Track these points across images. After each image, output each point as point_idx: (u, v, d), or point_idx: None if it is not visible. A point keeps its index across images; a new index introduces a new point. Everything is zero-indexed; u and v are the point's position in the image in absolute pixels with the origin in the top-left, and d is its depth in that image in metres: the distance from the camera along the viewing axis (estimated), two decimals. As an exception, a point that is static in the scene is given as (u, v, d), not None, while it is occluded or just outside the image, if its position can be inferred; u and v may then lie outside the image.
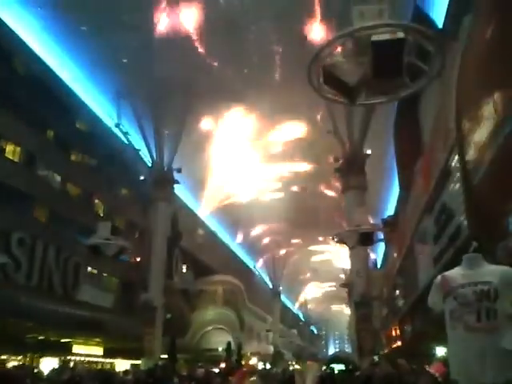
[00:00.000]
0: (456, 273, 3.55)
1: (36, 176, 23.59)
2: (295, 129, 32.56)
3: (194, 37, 24.35)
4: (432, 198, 9.62)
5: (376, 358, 21.91)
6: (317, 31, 22.59)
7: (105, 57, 24.58)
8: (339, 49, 6.59)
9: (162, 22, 23.56)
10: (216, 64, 25.94)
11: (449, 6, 9.42)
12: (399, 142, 17.00)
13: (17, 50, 23.49)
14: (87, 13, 22.76)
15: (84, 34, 24.23)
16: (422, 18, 9.43)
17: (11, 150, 22.86)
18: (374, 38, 6.08)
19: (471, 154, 7.02)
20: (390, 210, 30.30)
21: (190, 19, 23.70)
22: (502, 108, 5.61)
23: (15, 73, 23.18)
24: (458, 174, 7.42)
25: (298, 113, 29.86)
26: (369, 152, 23.74)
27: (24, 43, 23.87)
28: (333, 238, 19.42)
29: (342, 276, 51.49)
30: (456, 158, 7.52)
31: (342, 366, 25.13)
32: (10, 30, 22.93)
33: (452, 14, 9.09)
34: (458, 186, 7.49)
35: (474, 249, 3.53)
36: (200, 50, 25.23)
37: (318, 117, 28.55)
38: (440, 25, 9.63)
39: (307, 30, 23.01)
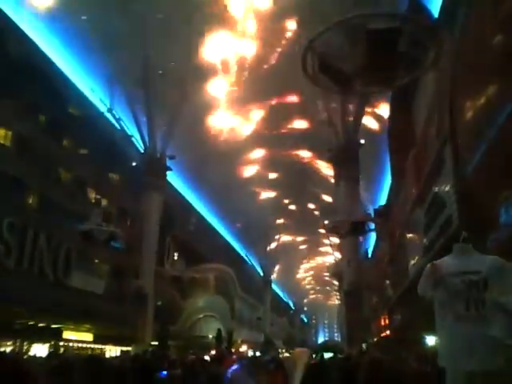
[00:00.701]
0: (446, 261, 3.57)
1: (27, 161, 23.39)
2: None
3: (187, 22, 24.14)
4: (424, 188, 9.67)
5: (364, 346, 22.14)
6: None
7: (97, 41, 24.34)
8: (334, 37, 6.56)
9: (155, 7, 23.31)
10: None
11: (445, -4, 9.41)
12: (392, 132, 17.02)
13: (8, 34, 23.14)
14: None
15: (77, 18, 23.96)
16: (417, 7, 9.41)
17: (2, 135, 22.62)
18: (370, 26, 6.06)
19: (463, 146, 7.05)
20: (382, 200, 30.41)
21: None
22: (495, 100, 5.63)
23: (6, 56, 22.83)
24: (450, 165, 7.45)
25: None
26: (362, 141, 23.77)
27: (16, 26, 23.55)
28: (324, 227, 19.51)
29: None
30: (448, 148, 7.55)
31: (330, 354, 25.36)
32: (2, 13, 22.60)
33: (447, 5, 9.06)
34: (449, 176, 7.52)
35: (464, 238, 3.54)
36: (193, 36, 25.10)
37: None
38: (435, 15, 9.61)
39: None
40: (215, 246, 48.49)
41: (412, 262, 11.91)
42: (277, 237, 57.40)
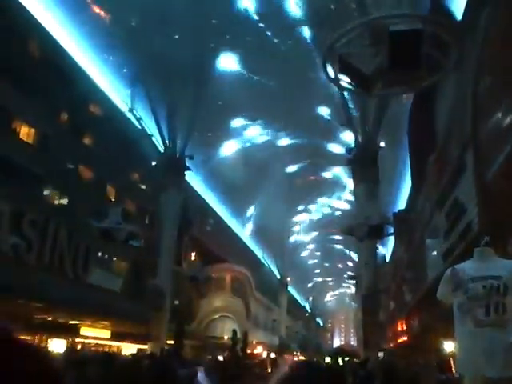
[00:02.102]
0: (466, 266, 3.52)
1: (49, 158, 23.73)
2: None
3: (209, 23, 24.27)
4: (444, 192, 9.55)
5: (381, 354, 21.91)
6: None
7: (120, 41, 24.60)
8: (356, 38, 6.52)
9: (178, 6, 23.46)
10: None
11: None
12: (413, 135, 16.85)
13: (32, 32, 23.53)
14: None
15: (100, 18, 24.26)
16: (440, 8, 9.30)
17: (26, 132, 23.01)
18: (392, 28, 6.00)
19: (485, 150, 6.95)
20: (401, 203, 30.14)
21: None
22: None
23: (30, 55, 23.25)
24: (471, 169, 7.35)
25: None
26: (382, 144, 23.55)
27: (40, 25, 23.93)
28: (341, 230, 19.39)
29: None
30: (470, 152, 7.45)
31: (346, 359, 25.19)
32: (26, 11, 22.97)
33: (471, 6, 8.94)
34: (471, 181, 7.42)
35: (485, 243, 3.49)
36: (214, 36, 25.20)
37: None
38: (459, 16, 9.49)
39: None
40: (232, 246, 48.55)
41: (431, 266, 11.76)
42: (292, 239, 57.27)
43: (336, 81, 7.27)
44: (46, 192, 24.28)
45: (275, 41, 26.01)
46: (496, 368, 3.12)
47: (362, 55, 6.36)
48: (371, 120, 23.16)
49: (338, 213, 47.57)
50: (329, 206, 50.07)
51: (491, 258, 3.45)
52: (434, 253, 11.26)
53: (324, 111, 32.07)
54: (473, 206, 7.16)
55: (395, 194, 33.65)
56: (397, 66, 6.16)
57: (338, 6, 20.06)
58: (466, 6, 8.93)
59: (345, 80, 6.87)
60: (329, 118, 31.59)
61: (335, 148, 34.56)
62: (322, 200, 49.42)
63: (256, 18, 25.22)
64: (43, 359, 0.82)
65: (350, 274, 52.77)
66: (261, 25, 25.29)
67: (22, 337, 20.47)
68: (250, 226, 52.45)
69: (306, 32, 25.09)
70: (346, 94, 21.58)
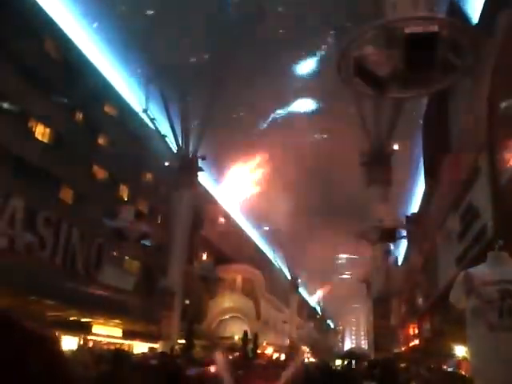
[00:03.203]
0: (480, 270, 3.50)
1: (64, 157, 23.97)
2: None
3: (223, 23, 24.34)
4: (458, 196, 9.48)
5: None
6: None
7: (135, 42, 24.76)
8: (371, 40, 6.50)
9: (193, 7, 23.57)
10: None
11: (485, 0, 9.20)
12: (427, 138, 16.75)
13: (48, 32, 23.79)
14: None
15: (116, 19, 24.44)
16: (456, 12, 9.24)
17: (41, 131, 23.27)
18: (408, 30, 5.98)
19: (500, 154, 6.89)
20: (414, 206, 29.94)
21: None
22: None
23: (46, 54, 23.50)
24: (486, 173, 7.30)
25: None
26: (395, 147, 23.44)
27: (56, 25, 24.17)
28: (354, 233, 19.33)
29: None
30: (485, 156, 7.40)
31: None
32: (43, 11, 23.21)
33: (488, 9, 8.88)
34: (485, 185, 7.37)
35: (499, 247, 3.47)
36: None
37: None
38: (475, 20, 9.42)
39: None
40: (243, 246, 48.58)
41: (444, 270, 11.68)
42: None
43: (350, 83, 7.26)
44: (60, 190, 24.50)
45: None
46: (510, 373, 3.11)
47: (376, 57, 6.34)
48: (385, 122, 23.06)
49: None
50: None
51: (505, 261, 3.42)
52: (448, 256, 11.18)
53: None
54: (487, 209, 7.11)
55: (408, 196, 33.43)
56: (412, 69, 6.14)
57: (354, 8, 20.01)
58: (483, 9, 8.87)
59: (359, 83, 6.86)
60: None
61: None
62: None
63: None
64: (53, 349, 0.79)
65: (362, 276, 52.43)
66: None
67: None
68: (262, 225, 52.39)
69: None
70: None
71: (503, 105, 6.49)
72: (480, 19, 9.36)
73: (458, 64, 6.17)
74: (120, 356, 4.31)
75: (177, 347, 21.15)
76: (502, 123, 6.93)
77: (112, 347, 24.50)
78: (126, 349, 26.41)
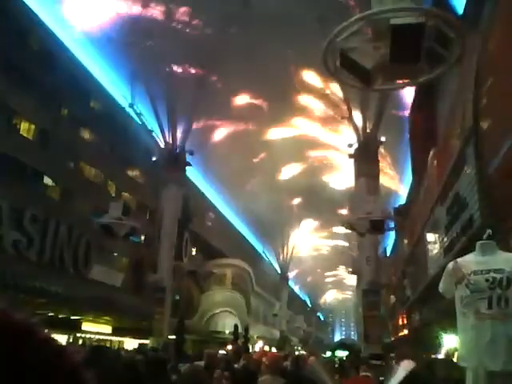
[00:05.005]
0: (469, 260, 3.53)
1: (49, 154, 23.76)
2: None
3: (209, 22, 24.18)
4: (445, 186, 9.55)
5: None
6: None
7: (120, 36, 24.53)
8: (357, 32, 6.49)
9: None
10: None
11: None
12: (414, 129, 16.84)
13: (32, 27, 23.51)
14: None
15: (100, 13, 24.19)
16: (442, 2, 9.28)
17: (25, 128, 23.01)
18: (393, 21, 5.97)
19: (486, 143, 6.94)
20: (402, 198, 30.13)
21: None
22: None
23: (30, 50, 23.22)
24: (473, 163, 7.35)
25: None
26: (383, 139, 23.52)
27: (39, 20, 23.89)
28: (343, 225, 19.38)
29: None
30: (471, 146, 7.45)
31: (346, 353, 25.27)
32: (26, 6, 22.94)
33: (472, 0, 8.93)
34: (472, 174, 7.42)
35: (487, 236, 3.49)
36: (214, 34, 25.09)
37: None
38: (460, 10, 9.46)
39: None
40: (232, 241, 48.63)
41: (432, 260, 11.78)
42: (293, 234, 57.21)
43: (336, 75, 7.24)
44: (46, 188, 24.29)
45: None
46: (498, 361, 3.13)
47: (363, 49, 6.33)
48: (372, 114, 23.11)
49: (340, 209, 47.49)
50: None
51: (494, 251, 3.45)
52: (435, 247, 11.27)
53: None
54: (474, 199, 7.17)
55: (396, 188, 33.65)
56: (398, 60, 6.13)
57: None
58: (467, 0, 8.92)
59: (345, 75, 6.85)
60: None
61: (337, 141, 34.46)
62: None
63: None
64: (54, 349, 0.78)
65: (350, 268, 52.75)
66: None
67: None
68: (251, 219, 52.40)
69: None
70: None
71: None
72: (465, 10, 9.40)
73: (444, 55, 6.18)
74: (98, 352, 4.20)
75: (163, 342, 21.09)
76: (488, 113, 6.98)
77: (103, 344, 24.49)
78: (116, 346, 26.39)
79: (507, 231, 5.33)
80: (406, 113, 18.32)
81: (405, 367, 6.73)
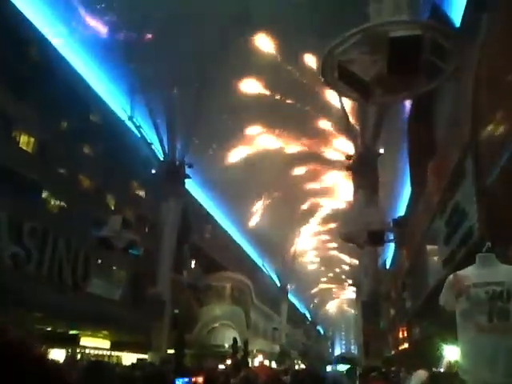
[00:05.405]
0: (469, 272, 3.50)
1: (49, 167, 23.75)
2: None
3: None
4: (444, 198, 9.53)
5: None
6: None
7: (119, 49, 24.68)
8: (355, 45, 6.52)
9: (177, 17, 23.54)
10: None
11: (467, 3, 9.31)
12: (412, 141, 16.88)
13: (32, 40, 23.62)
14: (104, 5, 22.86)
15: (100, 26, 24.36)
16: (439, 15, 9.34)
17: (25, 141, 23.02)
18: (391, 34, 6.01)
19: (485, 155, 6.94)
20: (401, 209, 30.09)
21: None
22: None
23: (30, 63, 23.30)
24: (471, 175, 7.34)
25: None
26: (381, 151, 23.60)
27: (39, 33, 24.02)
28: (341, 237, 19.36)
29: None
30: (469, 158, 7.45)
31: (347, 367, 25.04)
32: (26, 19, 23.06)
33: (470, 12, 8.99)
34: (471, 186, 7.41)
35: (487, 248, 3.46)
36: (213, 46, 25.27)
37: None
38: (458, 23, 9.53)
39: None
40: (232, 254, 48.47)
41: (431, 273, 11.73)
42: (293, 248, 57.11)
43: (335, 87, 7.28)
44: (45, 201, 24.24)
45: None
46: (499, 375, 3.09)
47: (361, 62, 6.36)
48: (370, 126, 23.21)
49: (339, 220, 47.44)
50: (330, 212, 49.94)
51: (494, 263, 3.42)
52: (435, 259, 11.23)
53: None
54: (473, 211, 7.15)
55: (395, 199, 33.62)
56: (396, 73, 6.16)
57: (339, 13, 20.14)
58: (464, 13, 8.98)
59: (344, 87, 6.88)
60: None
61: (335, 155, 34.56)
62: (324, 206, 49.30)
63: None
64: (44, 364, 0.79)
65: (350, 281, 52.55)
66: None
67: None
68: (250, 232, 52.31)
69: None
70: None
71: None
72: (462, 22, 9.47)
73: (442, 67, 6.21)
74: (96, 368, 4.14)
75: (163, 357, 20.92)
76: (486, 125, 6.98)
77: (101, 359, 24.26)
78: (115, 360, 26.17)
79: (507, 243, 5.30)
80: (405, 124, 18.37)
81: (419, 377, 6.70)
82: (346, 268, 60.10)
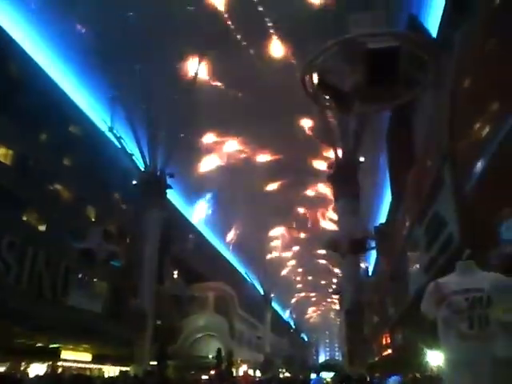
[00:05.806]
0: (449, 280, 3.54)
1: (27, 179, 23.41)
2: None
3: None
4: (424, 205, 9.64)
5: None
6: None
7: (98, 60, 24.56)
8: (334, 56, 6.61)
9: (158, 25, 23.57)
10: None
11: (443, 15, 9.51)
12: (392, 150, 17.07)
13: (11, 53, 23.38)
14: (82, 17, 22.77)
15: (79, 38, 24.22)
16: (416, 27, 9.51)
17: (3, 153, 22.69)
18: (369, 45, 6.11)
19: (463, 163, 7.06)
20: (382, 217, 30.36)
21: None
22: (495, 116, 5.66)
23: (8, 75, 23.03)
24: (450, 182, 7.45)
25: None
26: (362, 159, 23.82)
27: (18, 46, 23.80)
28: (323, 245, 19.45)
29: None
30: (448, 165, 7.56)
31: (331, 374, 25.10)
32: (5, 32, 22.85)
33: (445, 25, 9.18)
34: (449, 194, 7.51)
35: (467, 256, 3.52)
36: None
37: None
38: (434, 34, 9.72)
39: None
40: (215, 264, 48.26)
41: (413, 279, 11.82)
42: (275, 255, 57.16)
43: (315, 97, 7.35)
44: (24, 213, 23.87)
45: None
46: (481, 381, 3.13)
47: (340, 72, 6.44)
48: (351, 135, 23.43)
49: (321, 228, 47.69)
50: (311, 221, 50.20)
51: (473, 271, 3.47)
52: (416, 266, 11.32)
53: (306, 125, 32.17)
54: (453, 218, 7.24)
55: (376, 207, 33.91)
56: (374, 83, 6.25)
57: (317, 23, 20.38)
58: (440, 24, 9.17)
59: (323, 97, 6.95)
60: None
61: (317, 164, 34.74)
62: (304, 215, 49.53)
63: (236, 34, 25.40)
64: None
65: (333, 288, 52.75)
66: (238, 36, 25.52)
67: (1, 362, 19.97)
68: (232, 242, 52.22)
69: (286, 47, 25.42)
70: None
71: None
72: (438, 34, 9.65)
73: (419, 78, 6.33)
74: (78, 381, 4.08)
75: (148, 369, 20.69)
76: (464, 134, 7.11)
77: (82, 373, 23.88)
78: (97, 373, 25.77)
79: (486, 250, 5.39)
80: (385, 133, 18.59)
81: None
82: (330, 276, 60.25)
